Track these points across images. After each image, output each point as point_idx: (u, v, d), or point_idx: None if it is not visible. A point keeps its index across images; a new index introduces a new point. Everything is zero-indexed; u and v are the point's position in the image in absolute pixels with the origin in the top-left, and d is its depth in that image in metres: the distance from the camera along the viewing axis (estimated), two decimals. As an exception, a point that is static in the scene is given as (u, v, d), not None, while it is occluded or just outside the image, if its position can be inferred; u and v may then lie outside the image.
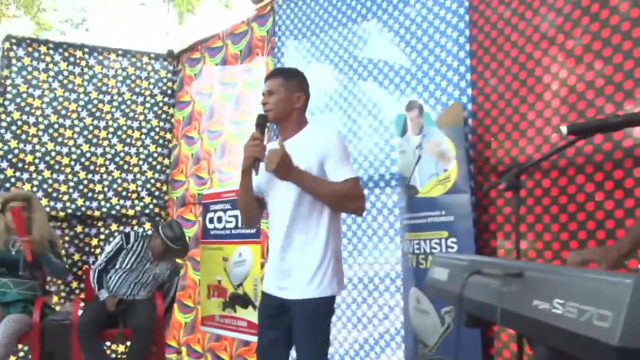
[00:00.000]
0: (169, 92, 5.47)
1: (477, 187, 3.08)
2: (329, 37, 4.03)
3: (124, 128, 5.26)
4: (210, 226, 4.79)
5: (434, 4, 3.42)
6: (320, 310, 2.44)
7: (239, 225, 4.48)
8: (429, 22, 3.45)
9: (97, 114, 5.18)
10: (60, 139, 5.00)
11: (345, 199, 2.42)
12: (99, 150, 5.15)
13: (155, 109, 5.40)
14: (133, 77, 5.34)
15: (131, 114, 5.30)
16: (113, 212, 5.14)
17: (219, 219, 4.70)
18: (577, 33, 2.74)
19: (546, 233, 2.78)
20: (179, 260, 4.80)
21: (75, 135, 5.06)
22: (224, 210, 4.66)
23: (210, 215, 4.79)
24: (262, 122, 2.47)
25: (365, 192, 3.65)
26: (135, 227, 5.25)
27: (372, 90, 3.79)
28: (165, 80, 5.47)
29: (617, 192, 2.49)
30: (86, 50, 5.20)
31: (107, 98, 5.22)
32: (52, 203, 4.91)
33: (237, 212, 4.50)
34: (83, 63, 5.17)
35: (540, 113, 2.88)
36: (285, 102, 2.51)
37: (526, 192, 2.90)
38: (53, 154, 4.97)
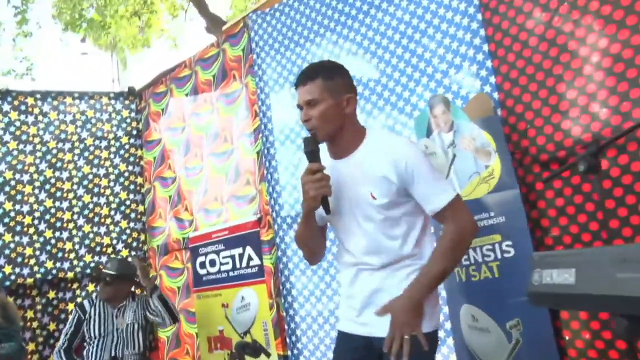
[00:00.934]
0: (135, 132, 4.98)
1: (520, 182, 2.76)
2: (316, 46, 3.69)
3: (90, 177, 4.72)
4: (202, 272, 4.29)
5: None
6: (422, 349, 1.90)
7: (238, 265, 4.01)
8: (432, 12, 3.16)
9: (58, 164, 4.62)
10: (19, 197, 4.41)
11: (459, 244, 1.94)
12: (65, 204, 4.58)
13: (122, 152, 4.89)
14: (93, 121, 4.84)
15: (96, 161, 4.77)
16: (88, 270, 4.54)
17: (212, 262, 4.21)
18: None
19: (613, 219, 2.48)
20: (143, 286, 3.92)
21: (36, 191, 4.48)
22: (217, 252, 4.18)
23: (200, 259, 4.30)
24: (314, 148, 1.91)
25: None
26: (87, 292, 4.61)
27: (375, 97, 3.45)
28: (128, 120, 4.98)
29: None
30: (38, 96, 4.67)
31: (68, 146, 4.69)
32: (17, 269, 4.28)
33: (233, 252, 4.04)
34: (36, 111, 4.63)
35: (582, 89, 2.61)
36: (334, 111, 1.92)
37: (579, 178, 2.61)
38: (12, 214, 4.37)
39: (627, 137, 2.29)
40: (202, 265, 4.28)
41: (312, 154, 1.90)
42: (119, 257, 4.47)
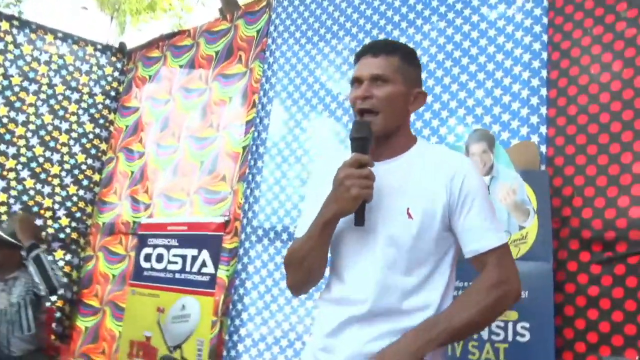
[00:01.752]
0: (113, 93, 4.42)
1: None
2: (341, 44, 3.21)
3: (49, 128, 4.14)
4: (145, 265, 3.69)
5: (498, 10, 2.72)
6: None
7: (188, 268, 3.43)
8: (490, 39, 2.72)
9: (17, 104, 4.02)
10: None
11: (496, 302, 1.43)
12: (11, 150, 3.96)
13: (92, 111, 4.32)
14: (71, 68, 4.27)
15: (61, 112, 4.19)
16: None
17: (160, 258, 3.62)
18: None
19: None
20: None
21: (-20, 126, 3.87)
22: (168, 247, 3.59)
23: (147, 250, 3.70)
24: (367, 135, 1.44)
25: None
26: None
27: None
28: (110, 79, 4.42)
29: None
30: (15, 23, 4.08)
31: (34, 88, 4.11)
32: None
33: (186, 252, 3.46)
34: (8, 38, 4.03)
35: (652, 166, 2.18)
36: (402, 101, 1.52)
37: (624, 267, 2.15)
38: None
39: None
40: (147, 257, 3.68)
41: (362, 142, 1.43)
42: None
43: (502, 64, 2.66)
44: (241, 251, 3.27)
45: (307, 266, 1.53)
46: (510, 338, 2.17)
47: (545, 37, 2.56)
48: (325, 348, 1.53)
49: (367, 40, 3.12)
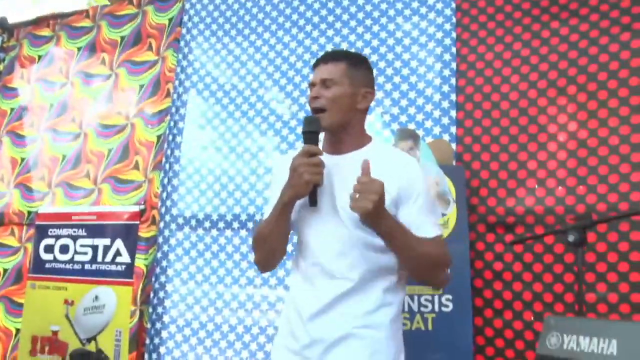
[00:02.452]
0: (-9, 72, 4.05)
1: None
2: (261, 41, 3.35)
3: None
4: (46, 257, 3.53)
5: (414, 27, 3.06)
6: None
7: (100, 258, 3.36)
8: (405, 47, 3.06)
9: None
10: None
11: (437, 267, 1.70)
12: None
13: (-32, 90, 3.93)
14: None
15: None
16: None
17: (64, 249, 3.49)
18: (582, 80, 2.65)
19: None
20: None
21: None
22: (74, 238, 3.48)
23: (47, 241, 3.54)
24: (316, 129, 1.65)
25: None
26: None
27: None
28: (-13, 55, 4.04)
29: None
30: None
31: None
32: None
33: (97, 242, 3.40)
34: None
35: (543, 164, 2.67)
36: (349, 100, 1.70)
37: (522, 247, 2.64)
38: None
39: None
40: (49, 249, 3.51)
41: (312, 136, 1.64)
42: None
43: (415, 69, 3.02)
44: (160, 239, 3.28)
45: (270, 244, 1.72)
46: (436, 309, 2.54)
47: (454, 49, 2.96)
48: (298, 316, 1.69)
49: (286, 38, 3.32)
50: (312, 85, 1.74)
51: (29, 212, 3.69)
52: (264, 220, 1.74)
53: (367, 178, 1.53)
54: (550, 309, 2.54)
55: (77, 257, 3.45)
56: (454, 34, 2.98)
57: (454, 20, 2.99)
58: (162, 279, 3.26)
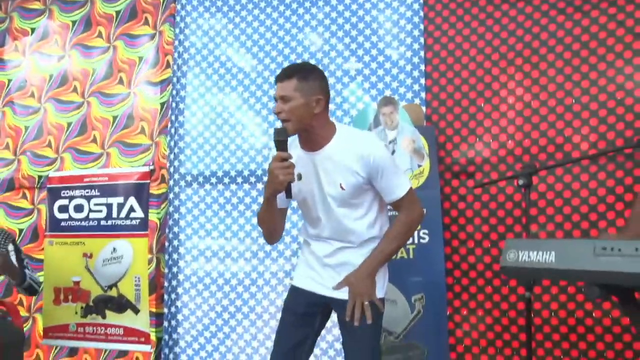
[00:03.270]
0: (-18, 44, 4.25)
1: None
2: (251, 17, 3.78)
3: None
4: (61, 216, 3.92)
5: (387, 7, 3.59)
6: (378, 312, 2.28)
7: (115, 215, 3.80)
8: (379, 24, 3.59)
9: None
10: None
11: (410, 230, 2.31)
12: None
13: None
14: None
15: None
16: None
17: (79, 208, 3.89)
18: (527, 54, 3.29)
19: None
20: None
21: None
22: (88, 198, 3.88)
23: (61, 202, 3.92)
24: (283, 138, 2.12)
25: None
26: None
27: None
28: (-24, 28, 4.23)
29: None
30: None
31: None
32: None
33: (110, 200, 3.83)
34: None
35: (496, 121, 3.32)
36: (304, 109, 2.12)
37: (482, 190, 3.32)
38: None
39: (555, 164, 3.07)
40: (63, 209, 3.90)
41: (281, 143, 2.10)
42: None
43: (389, 43, 3.56)
44: (171, 195, 3.75)
45: (267, 225, 2.32)
46: (416, 241, 3.19)
47: (422, 26, 3.52)
48: (316, 258, 2.33)
49: (274, 14, 3.75)
50: (275, 98, 2.19)
51: (40, 177, 4.03)
52: (259, 208, 2.32)
53: (353, 301, 2.16)
54: (503, 238, 3.25)
55: (92, 215, 3.86)
56: (421, 13, 3.53)
57: (421, 1, 3.54)
58: (175, 229, 3.75)
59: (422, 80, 3.48)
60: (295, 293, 2.38)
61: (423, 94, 3.47)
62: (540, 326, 3.14)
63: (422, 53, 3.50)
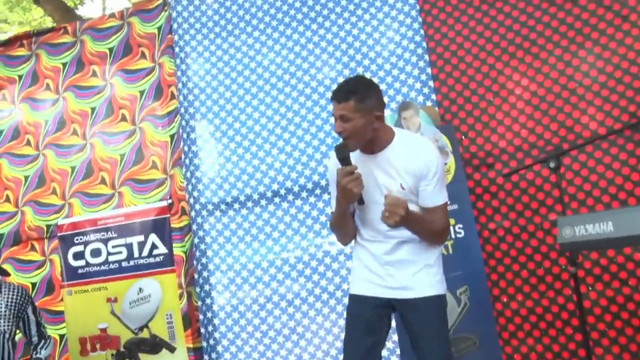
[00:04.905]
0: (-36, 97, 4.07)
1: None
2: (252, 38, 3.81)
3: None
4: (77, 263, 3.80)
5: (386, 16, 3.71)
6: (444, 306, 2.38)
7: (136, 254, 3.71)
8: (382, 33, 3.70)
9: None
10: None
11: (436, 236, 2.36)
12: None
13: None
14: None
15: None
16: None
17: (96, 253, 3.78)
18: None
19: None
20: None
21: None
22: (104, 241, 3.78)
23: (76, 249, 3.81)
24: (346, 155, 2.22)
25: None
26: None
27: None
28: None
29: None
30: None
31: None
32: None
33: (130, 240, 3.75)
34: None
35: (507, 113, 3.49)
36: (364, 127, 2.21)
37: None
38: None
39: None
40: (79, 255, 3.77)
41: (346, 159, 2.22)
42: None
43: (393, 51, 3.68)
44: (194, 227, 3.70)
45: (343, 230, 2.42)
46: (453, 236, 3.29)
47: (422, 31, 3.66)
48: (376, 263, 2.37)
49: (275, 35, 3.80)
50: (334, 117, 2.27)
51: (48, 226, 3.88)
52: (332, 216, 2.40)
53: (393, 199, 2.17)
54: (532, 222, 3.40)
55: (112, 258, 3.75)
56: (419, 19, 3.68)
57: (417, 7, 3.68)
58: (203, 260, 3.69)
59: (431, 83, 3.62)
60: (358, 300, 2.41)
61: (434, 96, 3.60)
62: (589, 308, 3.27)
63: (426, 57, 3.63)
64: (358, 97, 2.19)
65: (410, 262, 2.33)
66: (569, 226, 2.38)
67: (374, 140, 2.27)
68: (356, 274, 2.48)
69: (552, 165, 2.83)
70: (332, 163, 2.38)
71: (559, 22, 3.46)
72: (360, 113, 2.19)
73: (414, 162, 2.25)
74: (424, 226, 2.28)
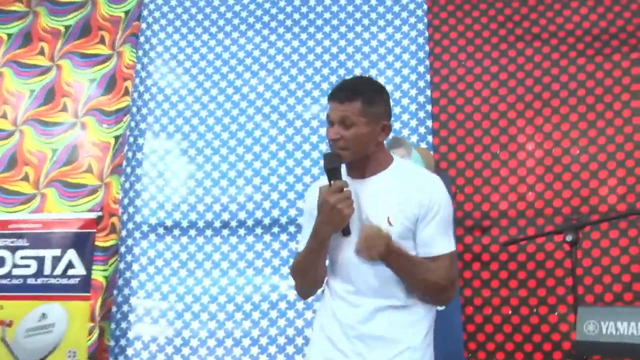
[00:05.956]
0: None
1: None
2: (229, 40, 3.27)
3: None
4: (-26, 272, 3.10)
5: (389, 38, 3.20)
6: None
7: (48, 271, 3.05)
8: (380, 56, 3.18)
9: None
10: None
11: (435, 291, 1.72)
12: None
13: None
14: None
15: None
16: None
17: (0, 262, 3.09)
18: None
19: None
20: None
21: None
22: (12, 249, 3.13)
23: (-24, 255, 3.11)
24: (338, 167, 1.68)
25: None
26: None
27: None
28: None
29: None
30: None
31: None
32: None
33: (42, 253, 3.10)
34: None
35: (514, 170, 2.94)
36: (368, 137, 1.71)
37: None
38: None
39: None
40: (-22, 262, 3.10)
41: (336, 172, 1.68)
42: None
43: (391, 79, 3.15)
44: (123, 249, 3.06)
45: (312, 275, 1.77)
46: (431, 308, 2.69)
47: (427, 62, 3.14)
48: (343, 329, 1.70)
49: (250, 33, 3.28)
50: (329, 121, 1.74)
51: (-50, 222, 3.22)
52: (301, 253, 1.77)
53: (373, 229, 1.62)
54: (525, 304, 2.80)
55: (17, 271, 3.10)
56: (427, 48, 3.16)
57: (426, 34, 3.17)
58: (126, 291, 3.03)
59: (429, 123, 3.07)
60: None
61: (430, 137, 3.05)
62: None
63: (428, 92, 3.10)
64: (366, 98, 1.71)
65: (389, 340, 1.66)
66: (593, 320, 1.85)
67: (369, 159, 1.73)
68: (314, 349, 1.82)
69: (569, 239, 2.27)
70: (313, 190, 1.82)
71: (586, 75, 2.96)
72: (366, 119, 1.69)
73: (412, 196, 1.68)
74: (415, 270, 1.65)
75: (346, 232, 1.67)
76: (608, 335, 1.80)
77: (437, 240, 1.69)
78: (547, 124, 2.96)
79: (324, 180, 1.72)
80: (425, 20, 3.20)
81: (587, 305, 2.26)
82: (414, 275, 1.66)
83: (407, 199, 1.69)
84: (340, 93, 1.74)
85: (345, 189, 1.64)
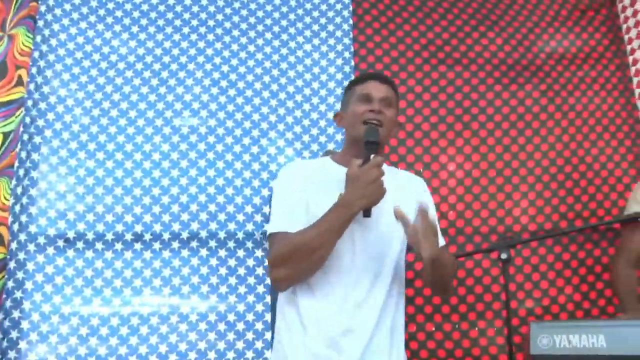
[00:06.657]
0: None
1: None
2: (138, 27, 2.98)
3: None
4: None
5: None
6: None
7: None
8: (306, 67, 3.09)
9: None
10: None
11: (453, 276, 1.94)
12: None
13: None
14: None
15: None
16: None
17: None
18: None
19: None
20: None
21: None
22: None
23: None
24: (377, 140, 1.69)
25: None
26: None
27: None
28: None
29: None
30: None
31: None
32: None
33: None
34: None
35: (436, 190, 3.01)
36: (395, 125, 1.85)
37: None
38: None
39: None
40: None
41: (376, 145, 1.70)
42: None
43: (317, 91, 3.08)
44: (12, 264, 2.59)
45: (319, 256, 1.64)
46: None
47: (353, 77, 3.11)
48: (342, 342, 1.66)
49: (161, 22, 3.03)
50: (366, 98, 1.77)
51: None
52: (308, 230, 1.63)
53: (427, 222, 1.60)
54: (465, 319, 2.86)
55: None
56: (352, 63, 3.14)
57: (352, 49, 3.15)
58: (15, 314, 2.56)
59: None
60: None
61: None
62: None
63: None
64: (395, 89, 1.87)
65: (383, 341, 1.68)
66: (546, 335, 1.97)
67: (382, 149, 1.80)
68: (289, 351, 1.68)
69: (503, 256, 2.37)
70: (303, 164, 1.96)
71: (502, 102, 3.15)
72: (395, 109, 1.84)
73: (412, 186, 1.88)
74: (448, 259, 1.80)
75: (366, 213, 1.63)
76: (562, 348, 1.92)
77: (439, 232, 1.81)
78: (467, 145, 3.09)
79: (301, 161, 1.67)
80: (351, 35, 3.19)
81: (539, 321, 2.37)
82: (446, 264, 1.73)
83: (410, 188, 1.84)
84: (381, 77, 1.86)
85: (380, 165, 1.63)
